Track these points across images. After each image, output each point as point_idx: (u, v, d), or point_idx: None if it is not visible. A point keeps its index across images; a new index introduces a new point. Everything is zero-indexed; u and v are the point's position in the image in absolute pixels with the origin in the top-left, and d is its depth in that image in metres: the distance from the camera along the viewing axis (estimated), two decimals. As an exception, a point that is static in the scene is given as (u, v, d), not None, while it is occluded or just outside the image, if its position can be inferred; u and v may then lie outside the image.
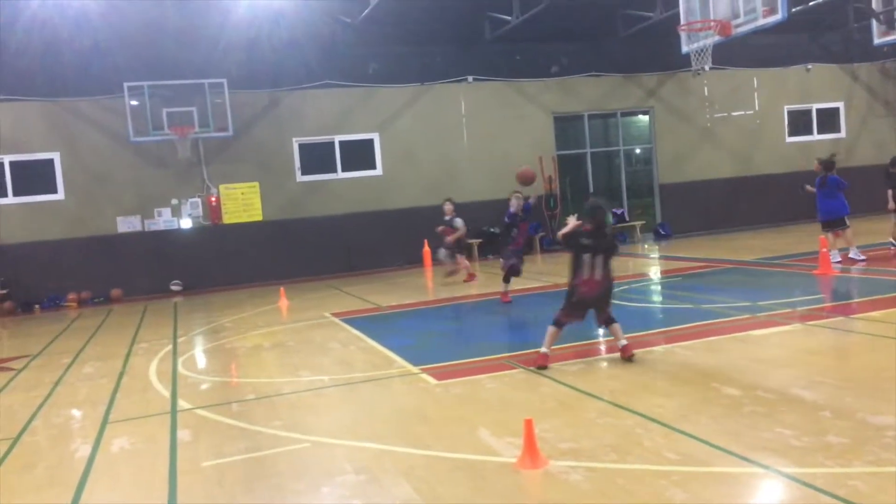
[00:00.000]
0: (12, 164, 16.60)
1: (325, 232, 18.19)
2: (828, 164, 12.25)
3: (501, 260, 11.34)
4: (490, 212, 19.37)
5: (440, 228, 14.18)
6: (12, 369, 9.41)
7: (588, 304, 7.11)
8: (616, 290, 11.51)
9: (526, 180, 10.67)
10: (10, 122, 16.44)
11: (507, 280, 11.14)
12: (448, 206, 14.16)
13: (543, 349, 7.06)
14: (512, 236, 11.07)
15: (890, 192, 12.42)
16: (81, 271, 16.70)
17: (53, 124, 16.67)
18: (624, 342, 7.06)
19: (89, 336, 11.79)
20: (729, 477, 4.25)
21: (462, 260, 14.23)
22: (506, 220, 11.16)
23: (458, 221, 13.98)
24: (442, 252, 14.35)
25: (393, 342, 8.95)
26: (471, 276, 14.19)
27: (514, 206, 10.97)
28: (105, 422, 6.54)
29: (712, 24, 12.46)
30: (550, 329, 7.11)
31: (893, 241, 12.69)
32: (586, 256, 6.99)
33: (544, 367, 6.93)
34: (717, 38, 12.48)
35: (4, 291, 16.17)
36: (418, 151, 19.03)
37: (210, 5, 15.10)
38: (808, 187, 12.46)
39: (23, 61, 15.86)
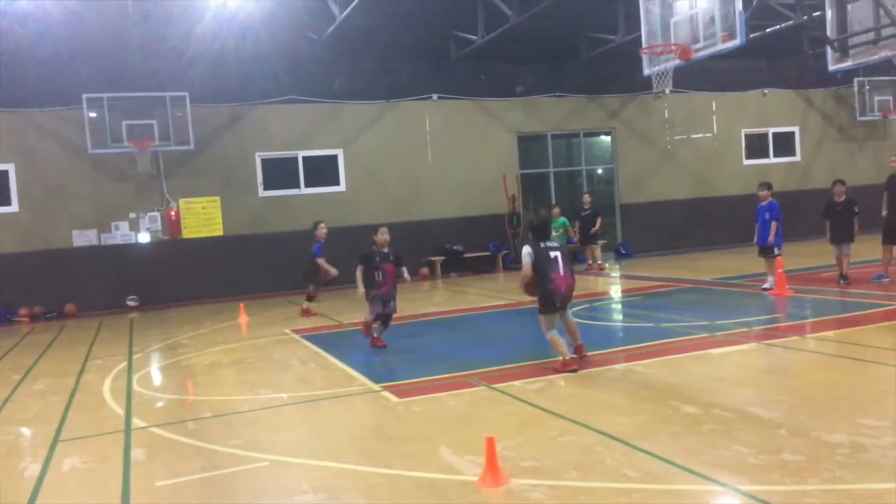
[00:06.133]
0: (-36, 174, 16.18)
1: (287, 248, 18.01)
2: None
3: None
4: (453, 230, 19.41)
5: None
6: (-41, 386, 9.10)
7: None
8: (578, 308, 11.59)
9: None
10: (-36, 132, 16.05)
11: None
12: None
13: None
14: (377, 281, 9.36)
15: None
16: (34, 286, 16.29)
17: (9, 135, 16.27)
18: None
19: (41, 352, 11.48)
20: (688, 494, 4.28)
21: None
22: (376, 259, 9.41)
23: None
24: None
25: (354, 359, 8.87)
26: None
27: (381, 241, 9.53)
28: (56, 440, 6.36)
29: (673, 47, 12.68)
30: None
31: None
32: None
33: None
34: (677, 61, 12.70)
35: (-47, 305, 15.70)
36: (383, 168, 19.01)
37: (174, 18, 14.95)
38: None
39: (-21, 71, 15.54)
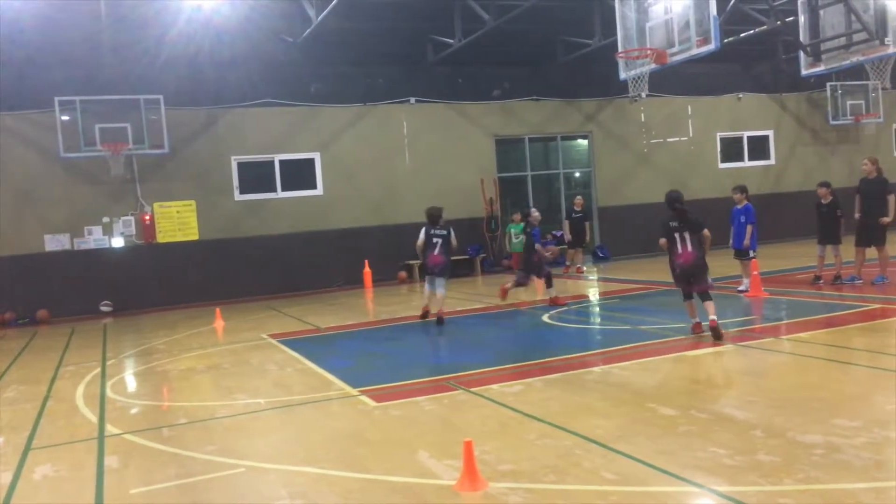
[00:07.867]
0: (-67, 178, 15.88)
1: (263, 252, 17.92)
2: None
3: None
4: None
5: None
6: (-73, 394, 8.92)
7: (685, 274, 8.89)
8: (555, 312, 11.60)
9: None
10: (-68, 135, 15.77)
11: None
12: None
13: (695, 319, 8.87)
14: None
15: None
16: (5, 291, 16.02)
17: (-21, 138, 16.03)
18: (713, 317, 8.38)
19: (12, 359, 11.29)
20: (665, 496, 4.29)
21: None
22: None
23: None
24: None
25: (331, 364, 8.82)
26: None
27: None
28: (28, 448, 6.25)
29: (649, 52, 12.80)
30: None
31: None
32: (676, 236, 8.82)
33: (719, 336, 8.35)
34: (653, 65, 12.82)
35: (-78, 312, 15.40)
36: (360, 172, 18.94)
37: (148, 21, 14.81)
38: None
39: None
